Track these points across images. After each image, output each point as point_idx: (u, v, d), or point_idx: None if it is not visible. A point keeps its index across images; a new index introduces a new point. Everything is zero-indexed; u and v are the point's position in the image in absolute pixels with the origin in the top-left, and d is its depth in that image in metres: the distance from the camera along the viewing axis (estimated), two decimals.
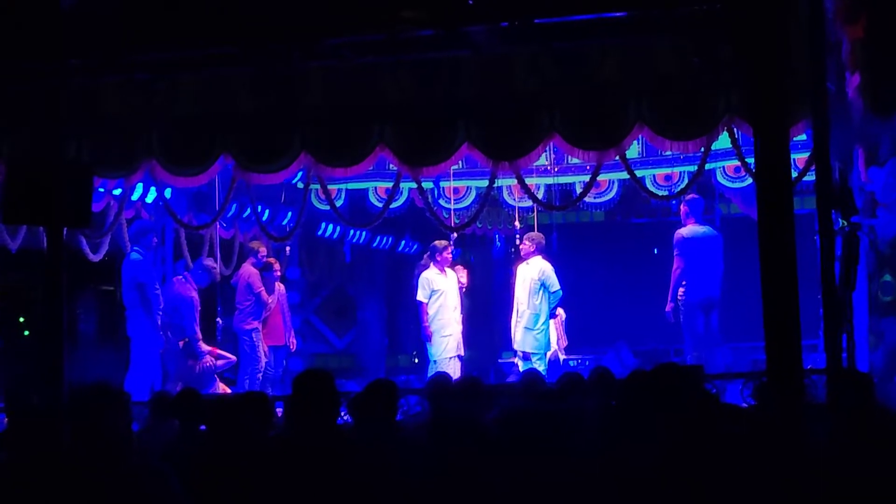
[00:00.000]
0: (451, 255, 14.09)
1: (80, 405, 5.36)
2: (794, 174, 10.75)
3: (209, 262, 13.61)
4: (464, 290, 14.25)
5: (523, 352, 13.71)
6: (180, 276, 13.54)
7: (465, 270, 14.62)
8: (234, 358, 13.48)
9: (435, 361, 13.74)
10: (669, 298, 13.19)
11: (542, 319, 13.69)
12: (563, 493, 5.22)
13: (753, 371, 11.09)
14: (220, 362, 13.38)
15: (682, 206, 13.39)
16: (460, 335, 13.89)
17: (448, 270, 14.07)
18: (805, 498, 4.82)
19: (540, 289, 13.68)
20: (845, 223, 8.09)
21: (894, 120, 9.59)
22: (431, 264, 13.97)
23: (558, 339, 14.48)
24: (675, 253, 13.21)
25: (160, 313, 12.88)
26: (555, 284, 13.71)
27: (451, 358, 13.68)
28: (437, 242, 14.04)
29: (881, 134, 9.74)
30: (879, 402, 7.26)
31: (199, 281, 13.44)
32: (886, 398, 9.33)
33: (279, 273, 14.46)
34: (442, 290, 13.83)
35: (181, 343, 13.11)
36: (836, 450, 5.25)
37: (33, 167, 8.03)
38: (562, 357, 14.46)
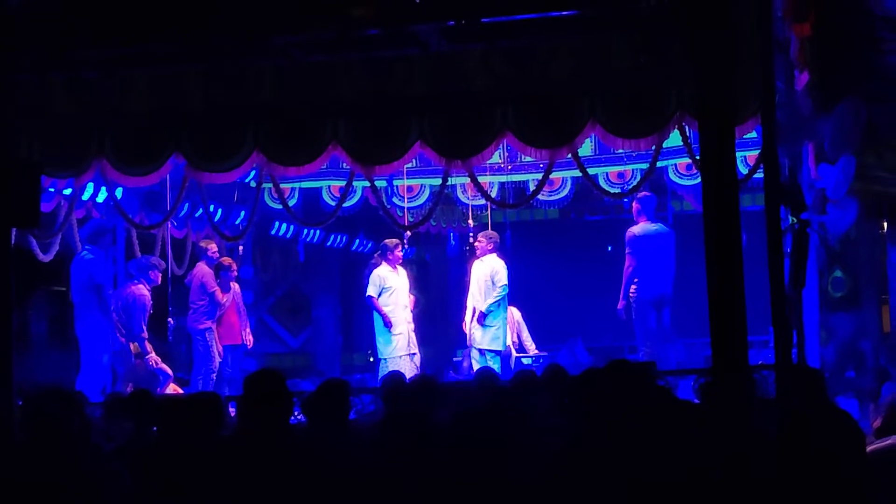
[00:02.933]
0: (402, 254, 14.17)
1: (34, 407, 5.33)
2: (744, 171, 10.89)
3: (154, 259, 13.47)
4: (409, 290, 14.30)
5: (479, 349, 13.74)
6: (135, 280, 13.42)
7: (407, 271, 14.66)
8: (169, 373, 13.30)
9: (385, 360, 13.77)
10: (621, 297, 13.26)
11: (498, 316, 13.73)
12: (516, 490, 5.23)
13: (706, 367, 11.15)
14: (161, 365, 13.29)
15: (634, 204, 13.45)
16: (412, 333, 13.93)
17: (400, 268, 14.11)
18: (753, 491, 4.85)
19: (493, 286, 13.73)
20: (795, 220, 8.15)
21: (842, 117, 9.67)
22: (383, 262, 14.01)
23: (510, 337, 14.51)
24: (626, 251, 13.27)
25: (114, 314, 12.80)
26: (502, 280, 13.74)
27: (401, 356, 13.72)
28: (387, 241, 14.10)
29: (829, 131, 9.82)
30: (829, 397, 7.34)
31: (147, 279, 13.31)
32: (836, 393, 9.44)
33: (235, 273, 14.41)
34: (393, 288, 13.89)
35: (132, 344, 13.02)
36: (785, 443, 5.28)
37: None
38: (514, 355, 14.49)
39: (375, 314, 13.99)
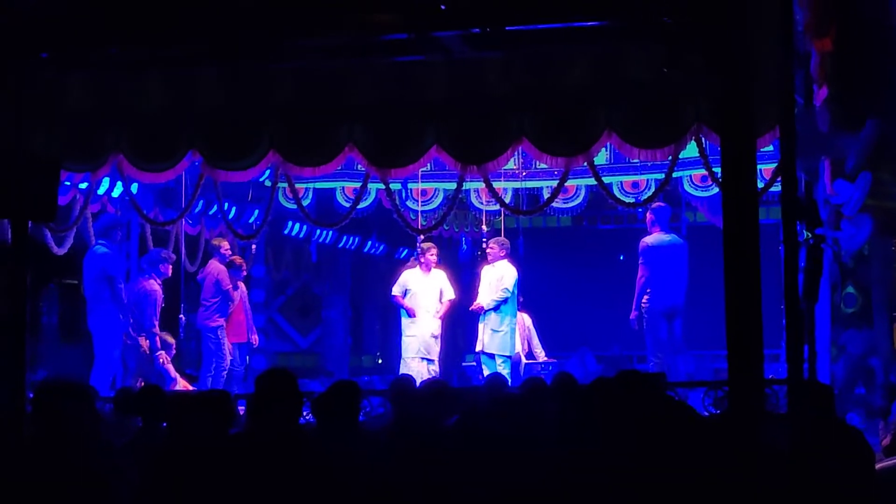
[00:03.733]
0: (434, 257, 14.14)
1: (44, 400, 5.34)
2: (761, 185, 10.87)
3: (165, 252, 13.49)
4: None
5: (489, 353, 13.73)
6: (146, 275, 13.43)
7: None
8: (174, 377, 13.30)
9: (401, 359, 13.86)
10: (634, 307, 13.24)
11: (507, 321, 13.73)
12: (522, 497, 5.24)
13: (715, 380, 11.15)
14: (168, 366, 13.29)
15: (647, 214, 13.44)
16: (430, 339, 13.91)
17: (435, 272, 14.10)
18: None
19: (504, 291, 13.74)
20: (810, 235, 8.13)
21: (861, 134, 9.66)
22: (417, 265, 14.08)
23: (520, 344, 14.51)
24: (640, 261, 13.25)
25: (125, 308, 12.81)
26: (506, 284, 13.73)
27: (412, 358, 13.73)
28: (422, 244, 14.12)
29: (847, 147, 9.81)
30: (838, 413, 7.33)
31: (157, 273, 13.32)
32: (845, 410, 9.43)
33: (245, 272, 14.43)
34: (414, 291, 13.91)
35: (142, 340, 13.04)
36: (795, 460, 5.28)
37: None
38: (524, 362, 14.49)
39: (402, 312, 14.05)
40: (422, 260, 14.06)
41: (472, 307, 14.03)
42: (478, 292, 14.06)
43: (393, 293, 14.12)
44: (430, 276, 14.08)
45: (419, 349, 13.82)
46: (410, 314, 13.89)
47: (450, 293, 14.20)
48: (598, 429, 5.46)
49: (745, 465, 4.87)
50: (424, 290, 13.99)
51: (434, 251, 14.16)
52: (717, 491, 4.88)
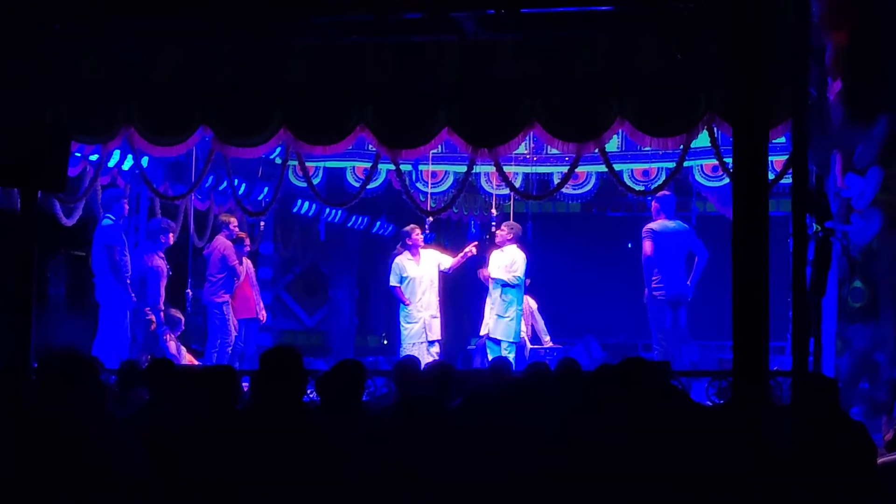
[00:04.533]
0: (420, 238, 14.09)
1: (48, 370, 5.35)
2: (771, 176, 10.86)
3: (165, 222, 13.47)
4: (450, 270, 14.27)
5: (494, 338, 13.74)
6: (149, 250, 13.42)
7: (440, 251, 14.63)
8: (176, 356, 13.29)
9: (403, 345, 13.85)
10: (645, 284, 13.20)
11: (513, 307, 13.73)
12: (524, 480, 5.25)
13: (719, 370, 11.15)
14: (171, 343, 13.30)
15: (653, 203, 13.42)
16: (432, 321, 13.92)
17: (424, 254, 14.08)
18: (764, 497, 4.86)
19: (515, 278, 13.74)
20: (819, 228, 8.12)
21: (873, 127, 9.64)
22: (404, 250, 14.01)
23: (525, 329, 14.51)
24: (642, 237, 13.23)
25: (128, 279, 12.80)
26: (517, 272, 13.72)
27: (414, 344, 13.73)
28: (405, 227, 14.09)
29: (859, 141, 9.79)
30: (842, 407, 7.33)
31: (158, 244, 13.31)
32: (849, 404, 9.43)
33: (248, 248, 14.43)
34: (411, 277, 13.88)
35: (148, 311, 13.06)
36: (798, 452, 5.29)
37: (10, 129, 7.98)
38: (528, 346, 14.50)
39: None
40: (409, 243, 14.01)
41: (480, 273, 13.99)
42: (487, 278, 14.05)
43: (392, 284, 14.02)
44: (421, 258, 14.06)
45: (422, 333, 13.83)
46: (407, 304, 13.86)
47: (446, 262, 14.20)
48: (600, 415, 5.47)
49: (747, 455, 4.87)
50: (420, 273, 13.98)
51: (418, 230, 14.11)
52: (719, 481, 4.89)
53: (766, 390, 5.19)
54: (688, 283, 13.24)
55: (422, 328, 13.83)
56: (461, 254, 14.25)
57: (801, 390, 6.13)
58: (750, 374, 4.89)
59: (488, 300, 13.93)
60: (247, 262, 14.34)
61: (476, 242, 14.43)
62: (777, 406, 7.63)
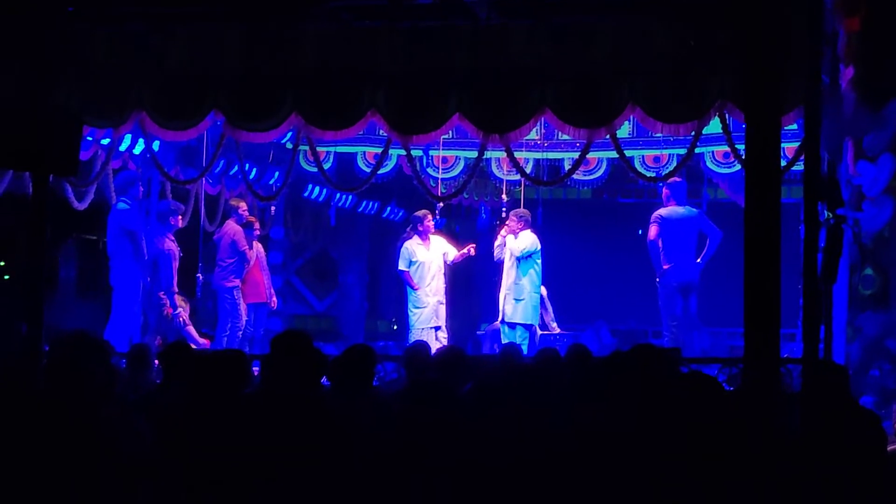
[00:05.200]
0: (431, 224, 14.11)
1: (59, 352, 5.37)
2: (783, 163, 10.83)
3: (174, 204, 13.48)
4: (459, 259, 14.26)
5: (511, 323, 13.71)
6: (160, 234, 13.43)
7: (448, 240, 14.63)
8: (194, 336, 13.31)
9: (411, 331, 13.87)
10: (656, 266, 13.19)
11: (527, 290, 13.70)
12: (533, 466, 5.25)
13: (730, 357, 11.14)
14: (190, 328, 13.33)
15: (664, 189, 13.41)
16: (439, 307, 13.93)
17: (434, 239, 14.09)
18: (773, 484, 4.86)
19: (526, 258, 13.71)
20: (830, 215, 8.10)
21: (885, 114, 9.61)
22: (414, 235, 14.02)
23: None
24: (650, 222, 13.21)
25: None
26: (523, 251, 13.68)
27: (423, 329, 13.74)
28: (417, 213, 14.09)
29: (871, 128, 9.76)
30: (853, 394, 7.32)
31: (168, 226, 13.33)
32: (860, 392, 9.42)
33: (259, 232, 14.44)
34: (420, 262, 13.89)
35: (162, 294, 13.08)
36: (808, 439, 5.29)
37: (22, 113, 7.98)
38: (539, 333, 14.48)
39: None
40: (420, 228, 14.02)
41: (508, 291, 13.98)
42: (502, 264, 14.03)
43: (400, 269, 14.03)
44: (431, 244, 14.07)
45: (431, 318, 13.84)
46: (416, 289, 13.87)
47: (453, 252, 14.22)
48: (610, 401, 5.47)
49: (757, 442, 4.87)
50: (429, 258, 13.99)
51: (430, 216, 14.12)
52: (728, 466, 4.89)
53: (776, 377, 5.19)
54: (698, 261, 13.21)
55: (431, 313, 13.84)
56: (463, 251, 14.25)
57: (812, 377, 6.13)
58: (761, 362, 4.88)
59: (503, 286, 13.89)
60: (258, 246, 14.35)
61: (474, 245, 14.35)
62: (787, 393, 7.62)
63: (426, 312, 13.86)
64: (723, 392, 5.29)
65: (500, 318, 13.95)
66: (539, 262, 13.84)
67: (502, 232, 14.08)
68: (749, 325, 4.89)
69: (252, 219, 14.19)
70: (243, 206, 14.01)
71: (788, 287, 6.31)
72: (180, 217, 13.50)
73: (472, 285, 17.63)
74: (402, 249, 14.06)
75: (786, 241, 5.45)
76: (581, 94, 10.74)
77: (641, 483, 4.96)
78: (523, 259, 13.70)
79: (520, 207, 14.52)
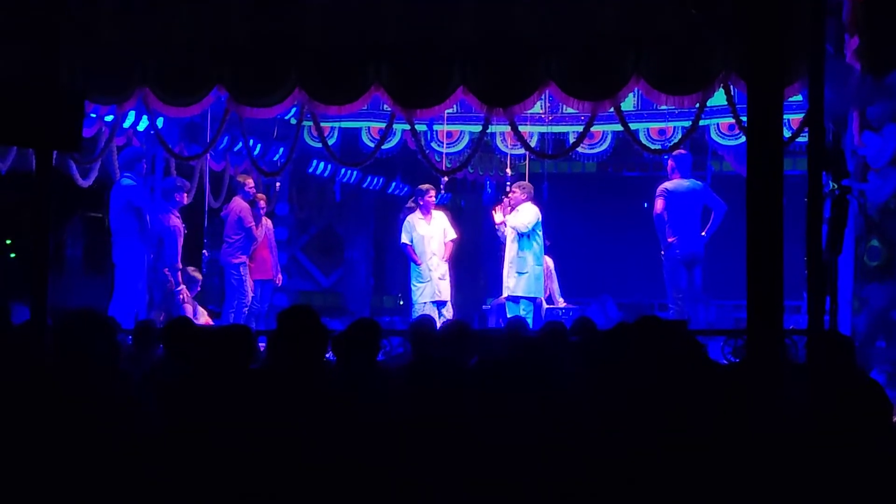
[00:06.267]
0: (433, 199, 14.14)
1: (64, 329, 5.37)
2: (788, 134, 10.80)
3: (179, 181, 13.46)
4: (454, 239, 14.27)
5: (514, 297, 13.70)
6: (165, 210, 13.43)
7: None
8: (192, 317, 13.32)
9: (414, 305, 13.89)
10: (662, 239, 13.17)
11: (530, 263, 13.68)
12: (539, 439, 5.25)
13: (735, 329, 11.13)
14: (187, 305, 13.34)
15: (669, 161, 13.37)
16: (440, 282, 13.95)
17: (436, 214, 14.11)
18: (780, 455, 4.86)
19: (529, 233, 13.68)
20: (836, 186, 8.10)
21: (890, 84, 9.57)
22: (417, 208, 14.04)
23: (544, 289, 14.47)
24: (656, 195, 13.18)
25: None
26: (529, 223, 13.64)
27: (425, 304, 13.76)
28: (421, 186, 14.10)
29: (876, 98, 9.72)
30: (859, 365, 7.32)
31: (173, 203, 13.32)
32: (866, 363, 9.41)
33: (265, 208, 14.44)
34: (422, 235, 13.91)
35: (166, 271, 13.09)
36: (814, 410, 5.28)
37: (25, 89, 7.96)
38: (545, 306, 14.47)
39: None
40: (421, 202, 14.04)
41: (496, 220, 13.97)
42: (504, 238, 14.01)
43: (403, 242, 14.09)
44: (432, 218, 14.09)
45: (433, 292, 13.86)
46: (418, 263, 13.90)
47: (451, 233, 14.23)
48: (616, 374, 5.46)
49: (762, 413, 4.87)
50: (430, 232, 14.01)
51: (433, 192, 14.13)
52: (735, 437, 4.89)
53: (781, 349, 5.18)
54: (702, 234, 13.18)
55: (432, 288, 13.87)
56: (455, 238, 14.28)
57: (817, 349, 6.12)
58: (765, 333, 4.87)
59: (506, 261, 13.87)
60: (266, 222, 14.36)
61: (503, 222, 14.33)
62: (793, 364, 7.61)
63: (429, 287, 13.88)
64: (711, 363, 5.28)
65: (504, 294, 13.94)
66: (540, 233, 13.81)
67: (497, 209, 14.06)
68: (752, 297, 4.87)
69: (259, 195, 14.19)
70: (250, 182, 14.01)
71: (795, 259, 6.30)
72: (185, 193, 13.49)
73: (478, 260, 17.62)
74: (405, 223, 14.12)
75: (791, 213, 5.43)
76: (585, 66, 10.72)
77: (648, 455, 4.96)
78: (526, 234, 13.68)
79: (521, 181, 14.49)
